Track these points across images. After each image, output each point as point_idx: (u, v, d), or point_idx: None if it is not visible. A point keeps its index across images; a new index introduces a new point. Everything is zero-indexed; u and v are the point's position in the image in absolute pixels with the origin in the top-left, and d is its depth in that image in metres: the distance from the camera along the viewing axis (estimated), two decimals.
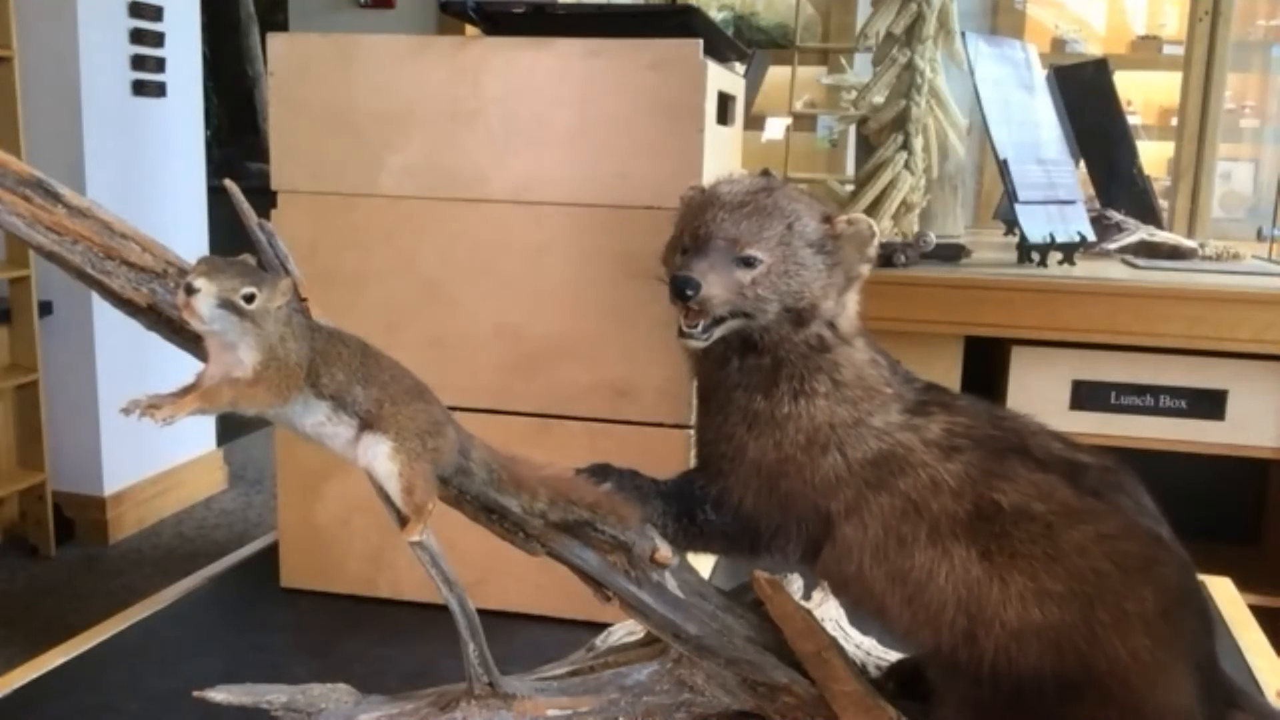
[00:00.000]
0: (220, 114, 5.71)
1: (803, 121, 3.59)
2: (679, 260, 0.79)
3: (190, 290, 0.66)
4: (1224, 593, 1.26)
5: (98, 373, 3.43)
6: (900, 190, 1.84)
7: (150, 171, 3.61)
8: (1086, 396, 1.71)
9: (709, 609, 0.81)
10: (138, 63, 3.52)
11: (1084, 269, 1.83)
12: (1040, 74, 2.04)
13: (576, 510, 0.78)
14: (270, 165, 1.15)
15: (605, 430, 1.12)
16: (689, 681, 0.84)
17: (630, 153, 1.08)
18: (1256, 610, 1.22)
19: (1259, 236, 2.51)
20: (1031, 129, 1.93)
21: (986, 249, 2.12)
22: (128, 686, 1.00)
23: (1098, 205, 2.23)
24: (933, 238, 1.83)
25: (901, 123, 1.86)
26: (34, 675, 1.01)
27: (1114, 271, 1.83)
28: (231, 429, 4.10)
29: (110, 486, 3.52)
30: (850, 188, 1.98)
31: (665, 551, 0.79)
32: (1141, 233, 2.08)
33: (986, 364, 1.80)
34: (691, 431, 1.03)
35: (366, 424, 0.73)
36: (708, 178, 0.94)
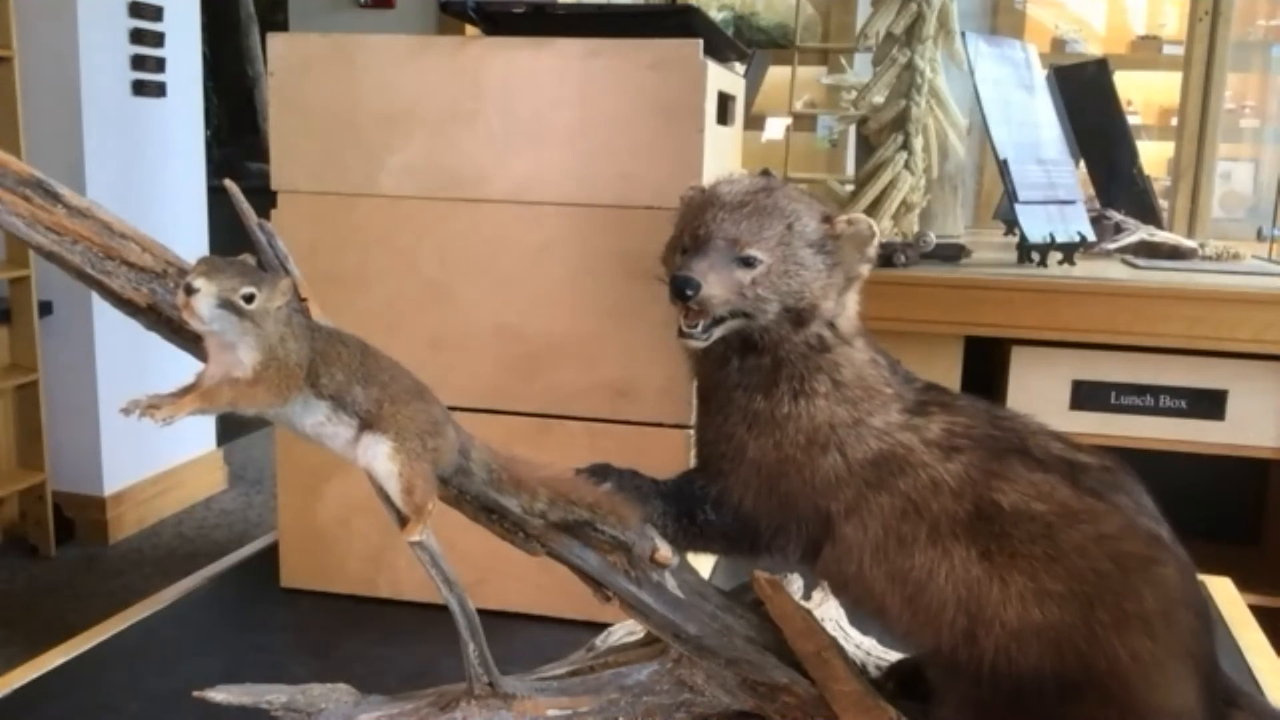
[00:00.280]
0: (220, 114, 5.71)
1: (803, 121, 3.59)
2: (679, 260, 0.79)
3: (190, 290, 0.66)
4: (1224, 593, 1.26)
5: (98, 373, 3.43)
6: (900, 190, 1.84)
7: (150, 171, 3.61)
8: (1086, 396, 1.71)
9: (709, 609, 0.81)
10: (138, 63, 3.52)
11: (1084, 269, 1.83)
12: (1040, 74, 2.04)
13: (576, 510, 0.78)
14: (270, 165, 1.15)
15: (605, 430, 1.12)
16: (689, 681, 0.84)
17: (630, 153, 1.08)
18: (1256, 610, 1.22)
19: (1259, 236, 2.51)
20: (1031, 129, 1.93)
21: (986, 249, 2.12)
22: (128, 686, 1.00)
23: (1098, 205, 2.23)
24: (933, 238, 1.83)
25: (901, 123, 1.86)
26: (34, 675, 1.01)
27: (1114, 271, 1.83)
28: (231, 429, 4.10)
29: (110, 486, 3.52)
30: (850, 188, 1.98)
31: (665, 551, 0.79)
32: (1141, 233, 2.08)
33: (986, 364, 1.80)
34: (691, 431, 1.03)
35: (366, 424, 0.73)
36: (708, 178, 0.94)
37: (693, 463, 0.87)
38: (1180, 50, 3.43)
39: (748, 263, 0.77)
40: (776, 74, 3.07)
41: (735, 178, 0.83)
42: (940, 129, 1.90)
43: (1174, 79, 3.29)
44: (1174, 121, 3.32)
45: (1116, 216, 2.12)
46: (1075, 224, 1.88)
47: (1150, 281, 1.71)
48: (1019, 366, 1.72)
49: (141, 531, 3.62)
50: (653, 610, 0.80)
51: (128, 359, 3.45)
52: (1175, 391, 1.69)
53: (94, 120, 3.36)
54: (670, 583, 0.81)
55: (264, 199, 1.04)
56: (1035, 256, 1.82)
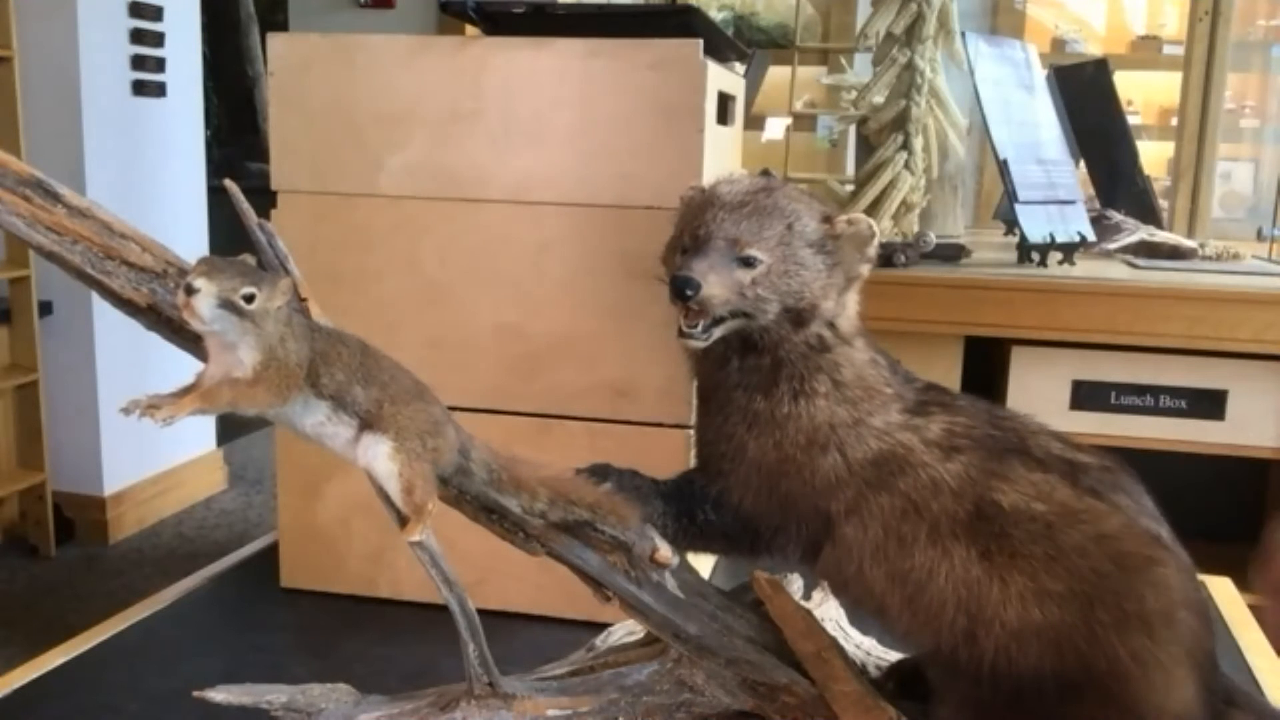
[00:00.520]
0: (220, 114, 5.71)
1: (803, 121, 3.59)
2: (679, 260, 0.79)
3: (190, 290, 0.66)
4: (1224, 593, 1.26)
5: (98, 373, 3.43)
6: (900, 190, 1.84)
7: (150, 171, 3.61)
8: (1086, 396, 1.71)
9: (709, 609, 0.81)
10: (138, 63, 3.52)
11: (1084, 269, 1.83)
12: (1040, 74, 2.04)
13: (576, 510, 0.78)
14: (270, 165, 1.15)
15: (605, 430, 1.12)
16: (689, 681, 0.84)
17: (630, 153, 1.08)
18: (1256, 610, 1.22)
19: (1259, 236, 2.51)
20: (1031, 129, 1.93)
21: (986, 249, 2.12)
22: (128, 686, 1.00)
23: (1098, 205, 2.23)
24: (933, 238, 1.83)
25: (901, 123, 1.86)
26: (34, 675, 1.01)
27: (1114, 271, 1.83)
28: (231, 429, 4.10)
29: (110, 486, 3.52)
30: (850, 188, 1.98)
31: (665, 551, 0.79)
32: (1141, 233, 2.08)
33: (986, 364, 1.80)
34: (691, 431, 1.03)
35: (366, 424, 0.73)
36: (708, 178, 0.94)
37: (693, 463, 0.87)
38: (1180, 50, 3.43)
39: (748, 263, 0.77)
40: (776, 74, 3.07)
41: (735, 178, 0.83)
42: (940, 129, 1.90)
43: (1174, 79, 3.29)
44: (1174, 121, 3.32)
45: (1116, 216, 2.12)
46: (1075, 224, 1.88)
47: (1150, 281, 1.71)
48: (1019, 366, 1.72)
49: (141, 531, 3.62)
50: (653, 610, 0.80)
51: (128, 359, 3.45)
52: (1175, 391, 1.69)
53: (94, 120, 3.35)
54: (670, 583, 0.81)
55: (264, 199, 1.04)
56: (1035, 256, 1.82)
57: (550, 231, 1.11)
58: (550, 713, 0.82)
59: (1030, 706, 0.73)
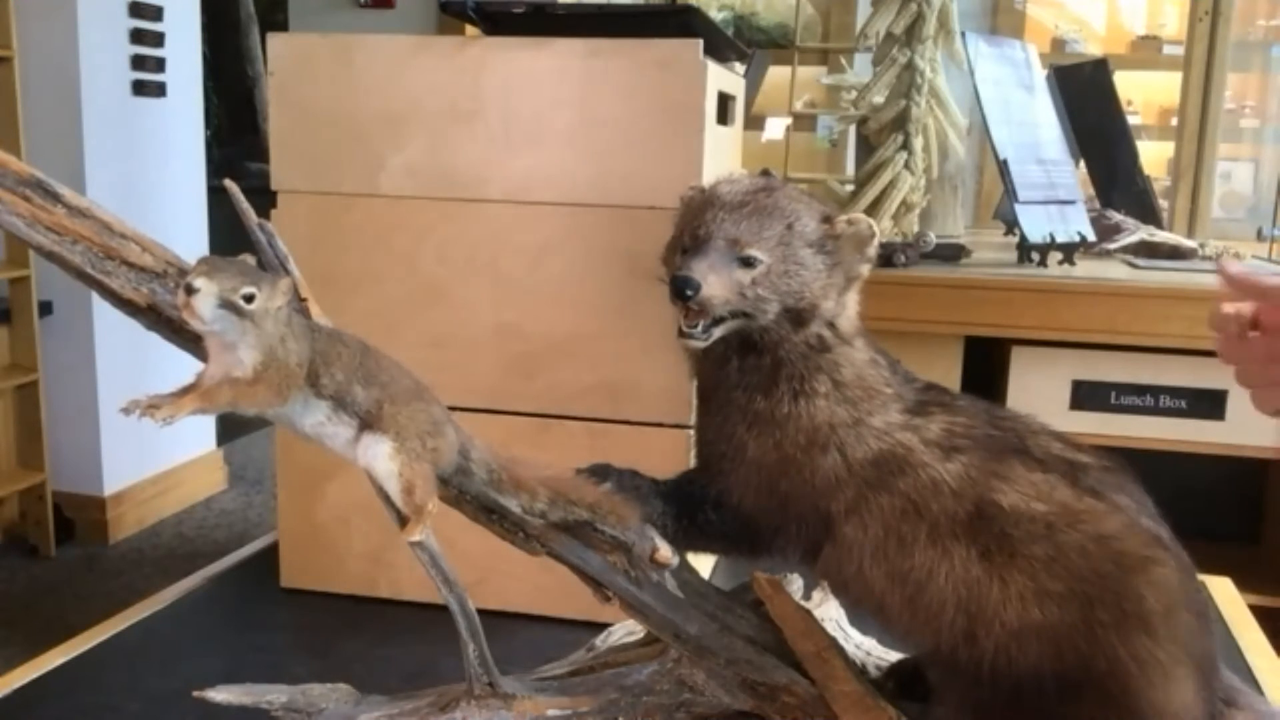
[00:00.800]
0: (220, 114, 5.71)
1: (803, 121, 3.59)
2: (679, 260, 0.79)
3: (190, 290, 0.66)
4: (1224, 593, 1.26)
5: (98, 373, 3.44)
6: (900, 190, 1.84)
7: (150, 171, 3.61)
8: (1086, 396, 1.71)
9: (709, 609, 0.81)
10: (138, 63, 3.52)
11: (1084, 269, 1.83)
12: (1040, 74, 2.04)
13: (576, 510, 0.78)
14: (270, 165, 1.15)
15: (605, 430, 1.12)
16: (689, 681, 0.84)
17: (630, 153, 1.08)
18: (1256, 610, 1.22)
19: (1259, 236, 2.52)
20: (1031, 129, 1.93)
21: (986, 249, 2.12)
22: (128, 686, 1.00)
23: (1098, 205, 2.24)
24: (933, 238, 1.83)
25: (901, 123, 1.86)
26: (34, 675, 1.01)
27: (1114, 271, 1.83)
28: (231, 429, 4.10)
29: (110, 486, 3.52)
30: (850, 188, 1.98)
31: (665, 551, 0.79)
32: (1141, 233, 2.08)
33: (986, 364, 1.80)
34: (691, 431, 1.03)
35: (366, 424, 0.73)
36: (708, 178, 0.94)
37: (693, 463, 0.87)
38: (1180, 50, 3.43)
39: (748, 263, 0.77)
40: (776, 74, 3.07)
41: (735, 178, 0.83)
42: (940, 129, 1.90)
43: (1174, 79, 3.29)
44: (1174, 121, 3.32)
45: (1116, 216, 2.12)
46: (1075, 224, 1.88)
47: (1150, 281, 1.71)
48: (1019, 366, 1.72)
49: (141, 531, 3.62)
50: (653, 610, 0.80)
51: (128, 359, 3.45)
52: (1175, 391, 1.69)
53: (94, 120, 3.36)
54: (670, 583, 0.81)
55: (264, 199, 1.04)
56: (1035, 256, 1.82)
57: (550, 231, 1.11)
58: (550, 713, 0.82)
59: (1030, 706, 0.73)
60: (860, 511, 0.77)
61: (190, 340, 0.72)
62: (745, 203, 0.78)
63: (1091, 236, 1.90)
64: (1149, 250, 2.05)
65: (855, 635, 0.97)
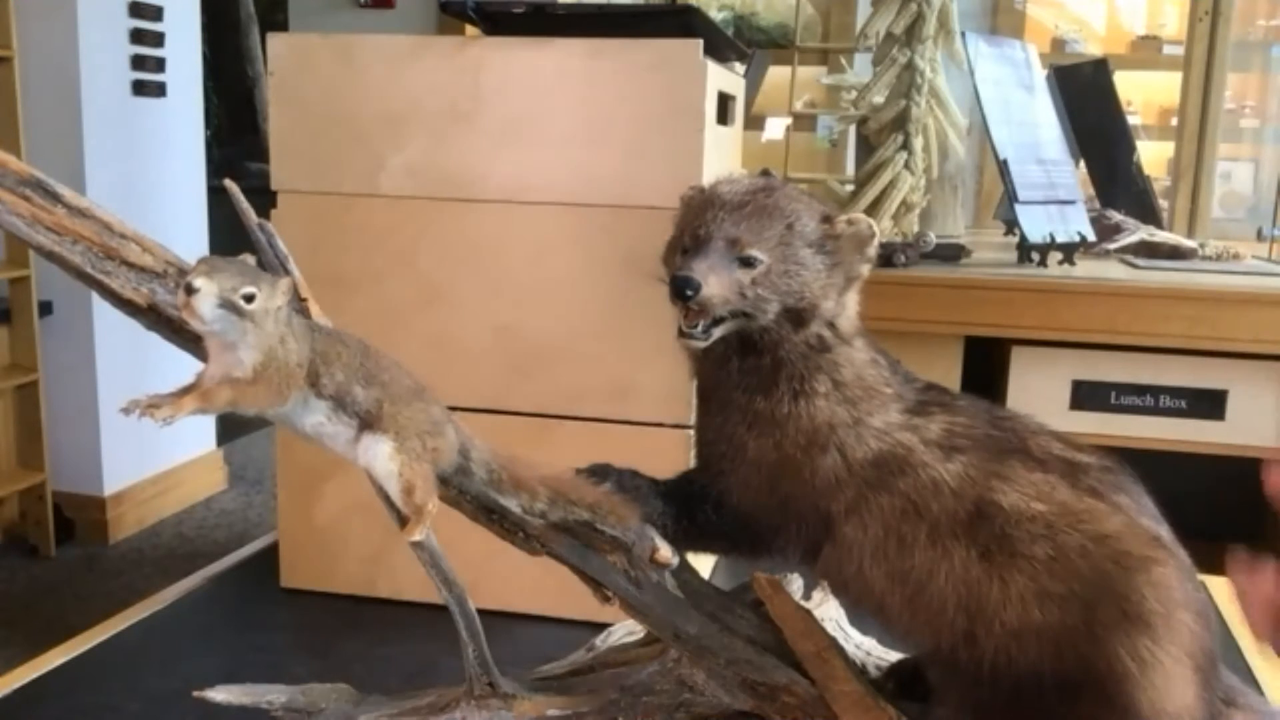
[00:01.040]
0: (220, 114, 5.71)
1: (803, 121, 3.59)
2: (679, 260, 0.79)
3: (190, 290, 0.66)
4: (1224, 593, 1.25)
5: (98, 373, 3.43)
6: (900, 190, 1.84)
7: (150, 171, 3.61)
8: (1086, 396, 1.70)
9: (709, 609, 0.81)
10: (138, 63, 3.52)
11: (1084, 269, 1.83)
12: (1040, 74, 2.04)
13: (576, 510, 0.78)
14: (270, 165, 1.15)
15: (605, 430, 1.12)
16: (689, 681, 0.84)
17: (630, 153, 1.08)
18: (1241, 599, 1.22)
19: (1259, 236, 2.52)
20: (1031, 129, 1.93)
21: (986, 249, 2.12)
22: (128, 686, 1.00)
23: (1098, 205, 2.23)
24: (933, 238, 1.83)
25: (901, 123, 1.86)
26: (34, 675, 1.02)
27: (1114, 271, 1.83)
28: (231, 429, 4.10)
29: (110, 486, 3.52)
30: (850, 188, 1.98)
31: (665, 552, 0.79)
32: (1141, 233, 2.08)
33: (986, 364, 1.80)
34: (691, 431, 1.03)
35: (366, 424, 0.73)
36: (708, 178, 0.94)
37: (693, 463, 0.87)
38: (1180, 50, 3.43)
39: (748, 263, 0.77)
40: (776, 74, 3.07)
41: (735, 178, 0.83)
42: (940, 129, 1.90)
43: (1174, 79, 3.29)
44: (1174, 121, 3.32)
45: (1116, 216, 2.12)
46: (1075, 224, 1.88)
47: (1150, 281, 1.71)
48: (1019, 366, 1.72)
49: (141, 531, 3.62)
50: (653, 610, 0.80)
51: (128, 359, 3.45)
52: (1175, 391, 1.68)
53: (94, 120, 3.36)
54: (670, 583, 0.81)
55: (264, 199, 1.04)
56: (1035, 256, 1.82)
57: (550, 231, 1.11)
58: (550, 713, 0.82)
59: (1030, 706, 0.73)
60: (860, 511, 0.77)
61: (190, 340, 0.72)
62: (745, 203, 0.78)
63: (1091, 236, 1.90)
64: (1149, 250, 2.05)
65: (855, 635, 0.97)
